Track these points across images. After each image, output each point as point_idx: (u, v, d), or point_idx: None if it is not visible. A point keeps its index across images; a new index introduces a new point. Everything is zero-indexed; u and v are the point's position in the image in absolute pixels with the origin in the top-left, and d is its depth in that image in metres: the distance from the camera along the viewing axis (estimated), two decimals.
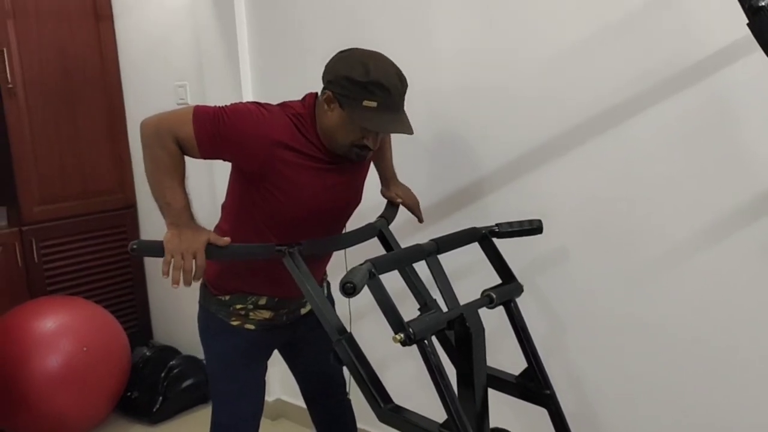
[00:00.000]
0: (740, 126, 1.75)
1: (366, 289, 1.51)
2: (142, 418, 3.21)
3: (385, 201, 2.14)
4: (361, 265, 1.54)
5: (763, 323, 1.79)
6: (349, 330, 1.67)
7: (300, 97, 1.83)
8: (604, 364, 2.10)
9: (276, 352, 2.14)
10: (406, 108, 1.74)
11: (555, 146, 2.07)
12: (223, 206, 1.93)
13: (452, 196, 2.33)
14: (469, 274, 2.12)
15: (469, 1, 2.17)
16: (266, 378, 2.08)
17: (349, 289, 1.46)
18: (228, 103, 1.74)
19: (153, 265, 3.71)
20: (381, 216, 2.06)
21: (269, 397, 3.03)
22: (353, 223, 1.99)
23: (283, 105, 1.79)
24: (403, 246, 1.96)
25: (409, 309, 1.69)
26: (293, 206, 1.77)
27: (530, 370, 1.83)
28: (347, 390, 2.19)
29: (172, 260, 1.65)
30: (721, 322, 1.86)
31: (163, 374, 3.25)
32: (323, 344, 1.84)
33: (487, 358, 1.72)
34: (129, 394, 3.21)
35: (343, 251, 2.05)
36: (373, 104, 1.65)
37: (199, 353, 2.24)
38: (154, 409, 3.18)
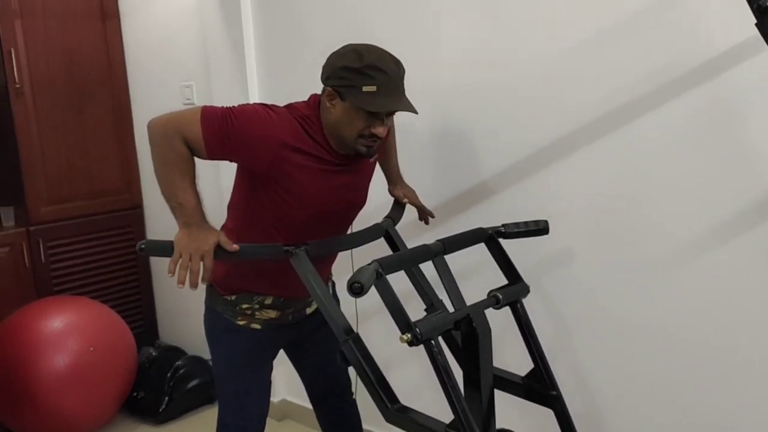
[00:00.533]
0: (747, 126, 1.75)
1: (372, 289, 1.51)
2: (148, 418, 3.21)
3: (390, 202, 2.14)
4: (368, 265, 1.54)
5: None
6: (355, 330, 1.67)
7: (306, 98, 1.83)
8: (609, 364, 2.10)
9: (282, 352, 2.14)
10: None
11: (561, 146, 2.07)
12: (230, 206, 1.93)
13: (458, 196, 2.33)
14: (475, 274, 2.12)
15: (473, 3, 2.17)
16: (272, 379, 2.09)
17: (357, 288, 1.46)
18: (235, 104, 1.75)
19: (159, 266, 3.72)
20: (387, 216, 2.07)
21: (275, 398, 3.04)
22: (360, 224, 1.99)
23: (290, 107, 1.79)
24: (409, 246, 1.96)
25: (415, 309, 1.69)
26: (300, 207, 1.77)
27: (536, 371, 1.82)
28: (353, 391, 2.20)
29: (180, 259, 1.65)
30: (724, 322, 1.86)
31: (169, 374, 3.25)
32: (329, 344, 1.85)
33: (493, 358, 1.72)
34: (135, 394, 3.22)
35: (349, 251, 2.05)
36: (373, 88, 1.65)
37: (205, 353, 2.24)
38: (160, 410, 3.19)
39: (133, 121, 3.66)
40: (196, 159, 1.71)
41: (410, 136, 2.28)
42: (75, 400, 2.87)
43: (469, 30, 2.20)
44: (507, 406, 1.92)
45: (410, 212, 2.16)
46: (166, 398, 3.20)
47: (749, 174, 1.76)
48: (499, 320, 1.83)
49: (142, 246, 1.68)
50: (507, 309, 1.81)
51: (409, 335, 1.51)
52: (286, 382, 3.10)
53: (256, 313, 1.94)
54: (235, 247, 1.69)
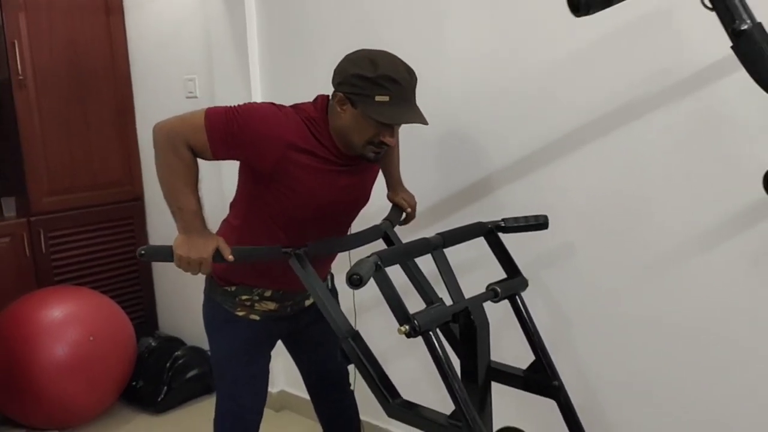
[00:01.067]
0: (745, 127, 1.76)
1: (370, 283, 1.52)
2: (147, 408, 3.23)
3: (389, 205, 2.14)
4: (367, 257, 1.55)
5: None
6: (354, 323, 1.67)
7: (309, 94, 1.84)
8: (609, 359, 2.11)
9: (280, 344, 2.16)
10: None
11: (562, 145, 2.08)
12: (232, 203, 1.94)
13: (460, 192, 2.34)
14: (474, 268, 2.14)
15: (479, 4, 2.19)
16: (270, 369, 2.10)
17: (356, 280, 1.47)
18: (238, 99, 1.75)
19: None
20: (386, 218, 2.07)
21: (273, 389, 3.06)
22: (359, 225, 2.00)
23: (296, 107, 1.79)
24: None
25: (414, 305, 1.70)
26: (304, 206, 1.78)
27: (537, 363, 1.82)
28: (351, 383, 2.21)
29: (179, 267, 1.71)
30: (723, 319, 1.87)
31: (168, 364, 3.27)
32: (327, 336, 1.86)
33: (491, 352, 1.73)
34: (134, 383, 3.24)
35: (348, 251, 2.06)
36: (386, 98, 1.65)
37: (204, 344, 2.26)
38: (159, 399, 3.20)
39: (136, 114, 3.67)
40: (199, 160, 1.73)
41: (414, 132, 2.29)
42: (74, 389, 2.89)
43: (475, 33, 2.21)
44: (509, 403, 1.93)
45: None
46: (165, 388, 3.22)
47: (746, 173, 1.77)
48: (498, 315, 1.84)
49: (143, 252, 1.72)
50: (506, 303, 1.83)
51: (407, 327, 1.51)
52: (284, 373, 3.12)
53: (256, 304, 1.95)
54: (231, 258, 1.71)
